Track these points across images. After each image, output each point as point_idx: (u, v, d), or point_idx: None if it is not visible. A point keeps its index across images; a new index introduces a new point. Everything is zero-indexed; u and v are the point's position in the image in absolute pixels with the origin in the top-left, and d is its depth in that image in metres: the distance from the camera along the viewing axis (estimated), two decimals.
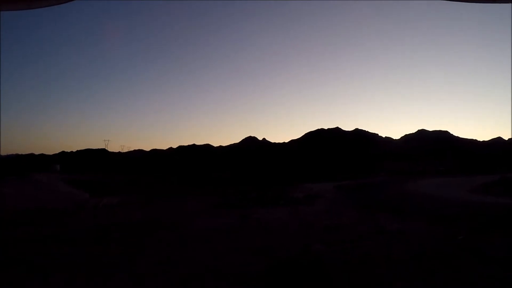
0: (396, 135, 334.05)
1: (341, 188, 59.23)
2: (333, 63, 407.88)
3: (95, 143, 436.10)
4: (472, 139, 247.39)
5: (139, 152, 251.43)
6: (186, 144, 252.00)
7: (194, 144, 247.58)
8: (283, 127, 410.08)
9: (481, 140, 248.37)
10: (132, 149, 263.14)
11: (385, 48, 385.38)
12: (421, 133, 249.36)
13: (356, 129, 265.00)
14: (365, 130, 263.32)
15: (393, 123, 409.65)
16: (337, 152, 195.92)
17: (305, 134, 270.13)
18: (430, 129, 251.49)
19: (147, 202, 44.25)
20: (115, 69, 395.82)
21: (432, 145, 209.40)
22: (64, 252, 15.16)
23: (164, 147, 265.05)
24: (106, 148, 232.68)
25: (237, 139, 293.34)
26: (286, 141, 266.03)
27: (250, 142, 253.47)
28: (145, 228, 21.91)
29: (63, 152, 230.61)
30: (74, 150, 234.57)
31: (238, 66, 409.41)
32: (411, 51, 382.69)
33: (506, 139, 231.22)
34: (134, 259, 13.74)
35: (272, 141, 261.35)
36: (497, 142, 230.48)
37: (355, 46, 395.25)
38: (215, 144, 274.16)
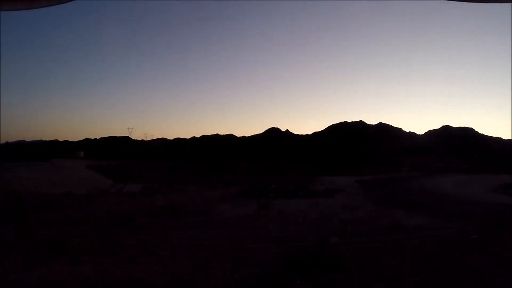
0: (420, 130, 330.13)
1: (362, 183, 59.29)
2: (359, 56, 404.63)
3: (119, 131, 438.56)
4: (497, 137, 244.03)
5: (162, 141, 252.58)
6: (209, 133, 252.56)
7: (217, 134, 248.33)
8: (307, 119, 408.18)
9: (506, 139, 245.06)
10: (155, 137, 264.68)
11: (411, 43, 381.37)
12: (446, 129, 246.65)
13: (380, 123, 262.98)
14: (389, 124, 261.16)
15: (417, 118, 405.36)
16: (360, 145, 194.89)
17: (328, 126, 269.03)
18: (455, 126, 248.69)
19: (170, 189, 44.98)
20: (141, 58, 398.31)
21: (456, 142, 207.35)
22: (92, 235, 15.84)
23: (187, 136, 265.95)
24: (130, 136, 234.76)
25: (260, 130, 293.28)
26: (309, 133, 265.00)
27: (273, 133, 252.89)
28: (168, 213, 22.58)
29: (87, 139, 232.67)
30: (98, 137, 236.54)
31: (264, 56, 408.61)
32: (436, 47, 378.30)
33: None
34: (159, 243, 14.37)
35: (295, 132, 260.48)
36: None
37: (381, 40, 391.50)
38: (238, 134, 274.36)
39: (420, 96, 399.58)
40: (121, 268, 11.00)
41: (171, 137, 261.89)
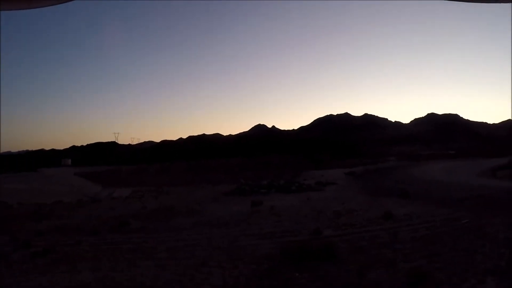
0: (406, 119, 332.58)
1: (352, 175, 59.59)
2: (341, 48, 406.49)
3: (106, 136, 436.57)
4: (482, 122, 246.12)
5: (149, 144, 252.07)
6: (196, 134, 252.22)
7: (204, 134, 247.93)
8: (292, 114, 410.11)
9: (491, 123, 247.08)
10: (142, 141, 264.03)
11: (393, 34, 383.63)
12: (431, 116, 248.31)
13: (365, 114, 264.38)
14: (374, 115, 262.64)
15: (402, 107, 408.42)
16: (347, 137, 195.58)
17: (314, 120, 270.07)
18: (440, 113, 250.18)
19: (160, 191, 45.01)
20: (122, 63, 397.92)
21: (442, 129, 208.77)
22: (88, 242, 15.93)
23: (174, 137, 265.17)
24: (116, 141, 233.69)
25: (246, 128, 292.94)
26: (296, 128, 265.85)
27: (259, 130, 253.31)
28: (161, 216, 22.70)
29: (73, 147, 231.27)
30: (85, 144, 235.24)
31: (247, 54, 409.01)
32: (418, 38, 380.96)
33: None
34: (155, 246, 14.51)
35: (282, 128, 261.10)
36: (508, 124, 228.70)
37: (363, 32, 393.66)
38: (225, 133, 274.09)
39: (404, 85, 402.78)
40: (121, 272, 11.12)
41: (158, 140, 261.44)
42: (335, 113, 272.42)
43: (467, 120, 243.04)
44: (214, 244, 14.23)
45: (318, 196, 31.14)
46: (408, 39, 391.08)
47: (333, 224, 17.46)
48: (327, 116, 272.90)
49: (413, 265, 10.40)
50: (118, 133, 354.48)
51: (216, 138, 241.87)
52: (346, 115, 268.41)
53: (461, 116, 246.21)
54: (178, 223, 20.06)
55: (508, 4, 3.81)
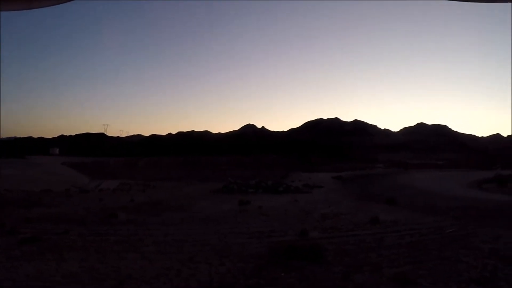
0: (396, 127, 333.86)
1: (339, 179, 59.80)
2: (335, 54, 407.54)
3: (95, 127, 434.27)
4: (471, 135, 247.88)
5: (138, 137, 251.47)
6: (185, 130, 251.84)
7: (193, 131, 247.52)
8: (283, 116, 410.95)
9: (479, 136, 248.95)
10: (131, 134, 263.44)
11: (387, 42, 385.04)
12: (420, 126, 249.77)
13: (355, 120, 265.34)
14: (364, 121, 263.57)
15: (392, 115, 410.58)
16: (336, 142, 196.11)
17: (304, 123, 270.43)
18: (430, 123, 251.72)
19: (148, 185, 45.00)
20: (114, 57, 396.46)
21: (431, 139, 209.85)
22: (76, 232, 15.92)
23: (163, 132, 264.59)
24: (105, 133, 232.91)
25: (236, 127, 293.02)
26: (285, 129, 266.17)
27: (249, 129, 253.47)
28: (149, 210, 22.73)
29: (62, 136, 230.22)
30: (73, 134, 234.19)
31: (239, 54, 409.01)
32: (412, 47, 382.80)
33: (505, 136, 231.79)
34: (143, 239, 14.54)
35: (271, 129, 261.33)
36: (496, 138, 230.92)
37: (358, 39, 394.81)
38: (214, 131, 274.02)
39: (395, 94, 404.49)
40: (108, 264, 11.13)
41: (147, 134, 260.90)
42: (325, 117, 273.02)
43: (456, 131, 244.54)
44: (202, 241, 14.27)
45: (305, 198, 31.31)
46: (402, 46, 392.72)
47: (320, 226, 17.55)
48: (317, 119, 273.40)
49: (398, 271, 10.49)
50: (107, 125, 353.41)
51: (205, 135, 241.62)
52: (336, 119, 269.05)
53: (450, 127, 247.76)
54: (166, 217, 20.12)
55: (508, 4, 3.84)
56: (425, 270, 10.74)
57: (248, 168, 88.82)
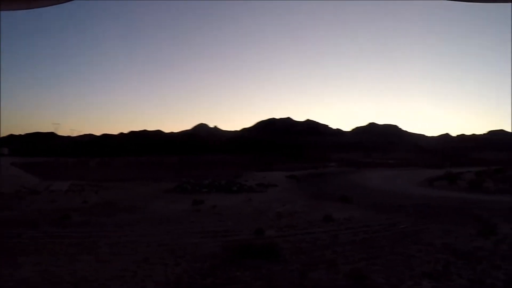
0: (347, 127, 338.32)
1: (293, 178, 60.13)
2: (287, 54, 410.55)
3: (44, 127, 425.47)
4: (421, 134, 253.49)
5: (90, 137, 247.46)
6: (137, 129, 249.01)
7: (145, 130, 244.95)
8: (235, 115, 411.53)
9: (429, 136, 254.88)
10: (82, 133, 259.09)
11: (339, 43, 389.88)
12: (372, 126, 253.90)
13: (308, 120, 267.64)
14: (316, 121, 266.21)
15: (344, 115, 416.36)
16: (288, 141, 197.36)
17: (257, 123, 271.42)
18: (381, 123, 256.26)
19: (101, 185, 44.28)
20: (67, 54, 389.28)
21: (382, 138, 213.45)
22: (28, 235, 15.50)
23: (115, 132, 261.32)
24: (56, 132, 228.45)
25: (188, 126, 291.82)
26: (238, 129, 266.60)
27: (201, 129, 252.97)
28: (103, 211, 22.34)
29: (11, 135, 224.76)
30: (23, 133, 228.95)
31: (191, 53, 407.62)
32: (364, 48, 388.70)
33: (454, 135, 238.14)
34: (97, 241, 14.25)
35: (224, 128, 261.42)
36: (445, 138, 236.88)
37: (309, 39, 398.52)
38: (167, 130, 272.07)
39: (347, 94, 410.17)
40: (62, 267, 10.84)
41: (98, 133, 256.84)
42: (277, 117, 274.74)
43: (406, 131, 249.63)
44: (156, 241, 14.10)
45: (259, 197, 31.38)
46: (354, 46, 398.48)
47: (275, 225, 17.60)
48: (269, 119, 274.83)
49: (353, 267, 10.59)
50: (58, 124, 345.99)
51: (158, 134, 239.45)
52: (289, 119, 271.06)
53: (400, 127, 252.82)
54: (120, 218, 19.82)
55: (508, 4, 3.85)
56: (379, 266, 10.90)
57: (201, 167, 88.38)
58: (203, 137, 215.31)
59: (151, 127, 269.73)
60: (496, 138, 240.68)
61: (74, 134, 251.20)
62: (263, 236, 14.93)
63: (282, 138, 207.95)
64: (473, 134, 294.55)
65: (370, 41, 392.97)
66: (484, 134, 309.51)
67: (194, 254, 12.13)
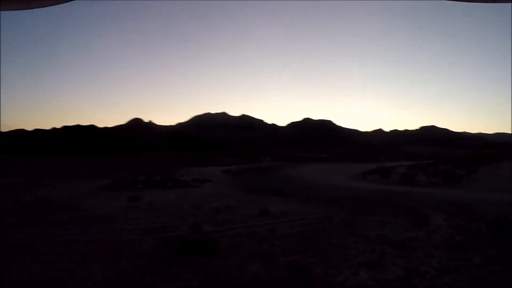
0: (282, 122, 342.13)
1: (229, 172, 60.25)
2: (223, 48, 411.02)
3: None
4: (355, 130, 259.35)
5: (21, 132, 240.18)
6: (70, 124, 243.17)
7: (78, 125, 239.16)
8: (170, 110, 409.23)
9: (363, 131, 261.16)
10: (13, 129, 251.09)
11: (274, 39, 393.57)
12: (306, 121, 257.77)
13: (243, 115, 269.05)
14: (251, 116, 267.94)
15: (279, 111, 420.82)
16: (224, 136, 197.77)
17: (193, 117, 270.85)
18: (315, 118, 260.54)
19: (34, 183, 42.87)
20: None
21: (316, 133, 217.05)
22: None
23: (48, 127, 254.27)
24: None
25: (123, 121, 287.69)
26: (173, 124, 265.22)
27: (136, 123, 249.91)
28: (37, 210, 21.56)
29: None
30: None
31: (125, 47, 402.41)
32: (299, 44, 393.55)
33: (387, 130, 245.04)
34: (33, 241, 13.67)
35: (159, 123, 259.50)
36: (378, 133, 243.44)
37: (244, 34, 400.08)
38: (101, 124, 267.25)
39: (282, 89, 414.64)
40: None
41: (30, 128, 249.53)
42: (213, 112, 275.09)
43: (340, 126, 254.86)
44: (94, 240, 13.70)
45: (196, 192, 31.18)
46: (290, 43, 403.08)
47: (212, 220, 17.48)
48: (205, 114, 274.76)
49: (290, 259, 10.67)
50: None
51: (91, 129, 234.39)
52: (224, 114, 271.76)
53: (335, 122, 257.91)
54: (56, 217, 19.11)
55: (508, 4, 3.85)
56: (316, 258, 11.03)
57: (136, 163, 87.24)
58: (138, 131, 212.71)
59: (84, 122, 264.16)
60: (428, 133, 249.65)
61: (5, 130, 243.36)
62: (201, 231, 14.82)
63: (218, 133, 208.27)
64: (406, 130, 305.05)
65: (305, 38, 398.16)
66: (416, 129, 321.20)
67: (133, 251, 11.87)
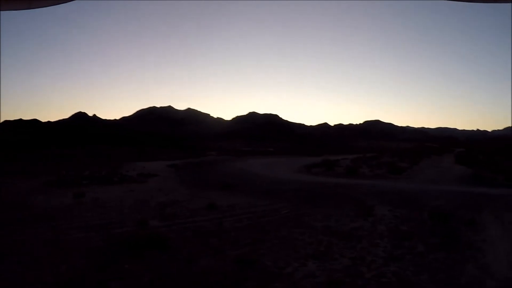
0: (228, 116, 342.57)
1: (174, 167, 59.86)
2: (169, 43, 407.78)
3: None
4: (300, 124, 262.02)
5: None
6: (11, 118, 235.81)
7: (20, 119, 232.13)
8: (115, 104, 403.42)
9: (308, 125, 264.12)
10: None
11: (223, 34, 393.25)
12: (252, 115, 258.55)
13: (189, 109, 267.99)
14: (197, 110, 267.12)
15: (225, 104, 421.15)
16: (169, 130, 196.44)
17: (137, 111, 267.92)
18: (261, 112, 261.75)
19: None
20: None
21: (262, 127, 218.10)
22: None
23: None
24: None
25: (66, 115, 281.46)
26: (118, 118, 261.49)
27: (80, 118, 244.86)
28: None
29: None
30: None
31: (69, 39, 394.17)
32: (248, 39, 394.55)
33: (332, 125, 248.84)
34: None
35: (103, 117, 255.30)
36: (323, 127, 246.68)
37: (192, 30, 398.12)
38: (43, 119, 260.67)
39: (228, 83, 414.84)
40: None
41: None
42: (158, 105, 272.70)
43: (286, 120, 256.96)
44: (42, 239, 13.35)
45: (141, 187, 30.82)
46: (240, 38, 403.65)
47: (158, 215, 17.40)
48: (150, 108, 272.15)
49: (239, 252, 10.78)
50: None
51: (34, 124, 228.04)
52: (169, 108, 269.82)
53: (280, 116, 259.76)
54: (0, 217, 18.59)
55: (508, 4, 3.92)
56: (265, 250, 11.18)
57: (80, 158, 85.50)
58: (82, 126, 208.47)
59: (26, 116, 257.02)
60: (372, 127, 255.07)
61: None
62: (148, 226, 14.73)
63: (163, 127, 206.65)
64: (350, 124, 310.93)
65: (253, 33, 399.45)
66: (360, 124, 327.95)
67: (82, 249, 11.68)
